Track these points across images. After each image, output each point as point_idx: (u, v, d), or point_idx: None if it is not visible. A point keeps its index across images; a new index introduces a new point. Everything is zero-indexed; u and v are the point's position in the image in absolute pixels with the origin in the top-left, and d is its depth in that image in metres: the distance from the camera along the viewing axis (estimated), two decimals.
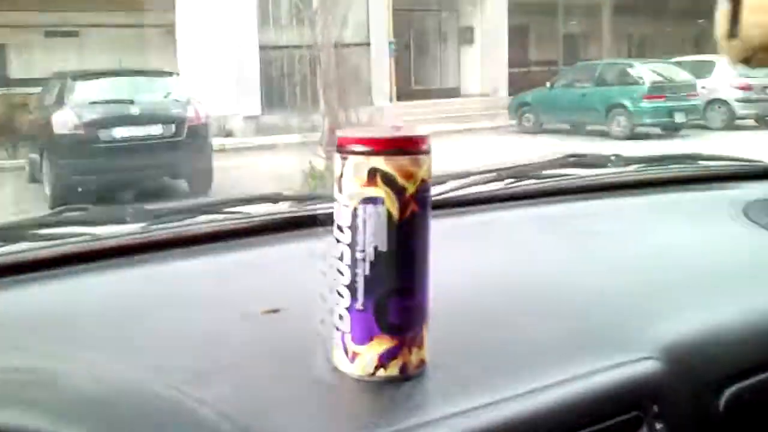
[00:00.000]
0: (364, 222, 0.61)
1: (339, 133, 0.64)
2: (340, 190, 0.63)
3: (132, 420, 0.54)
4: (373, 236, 0.61)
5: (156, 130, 9.09)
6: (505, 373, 0.66)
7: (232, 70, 15.00)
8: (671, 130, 14.31)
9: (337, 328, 0.64)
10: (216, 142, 10.48)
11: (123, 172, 8.71)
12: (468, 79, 19.78)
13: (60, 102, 8.90)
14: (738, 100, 15.47)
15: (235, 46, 14.94)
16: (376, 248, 0.61)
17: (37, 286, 0.86)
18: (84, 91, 9.01)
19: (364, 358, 0.63)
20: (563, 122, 15.80)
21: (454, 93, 19.27)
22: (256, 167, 11.14)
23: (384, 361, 0.63)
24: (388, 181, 0.60)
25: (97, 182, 8.53)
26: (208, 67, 14.69)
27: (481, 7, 19.05)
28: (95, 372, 0.62)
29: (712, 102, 15.53)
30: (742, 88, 15.46)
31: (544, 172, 1.24)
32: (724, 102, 15.60)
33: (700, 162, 1.32)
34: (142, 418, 0.55)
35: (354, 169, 0.61)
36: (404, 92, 17.27)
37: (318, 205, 1.06)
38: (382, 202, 0.61)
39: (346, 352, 0.64)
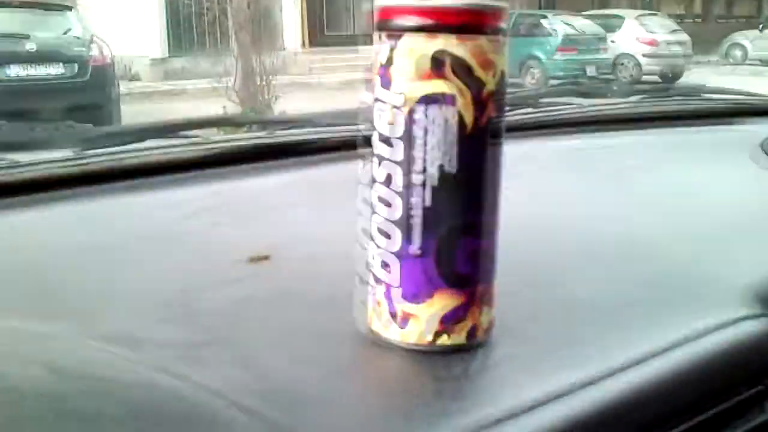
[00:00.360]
0: (426, 130, 0.43)
1: (382, 2, 0.45)
2: (387, 85, 0.44)
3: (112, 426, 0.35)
4: (439, 151, 0.43)
5: (56, 69, 8.49)
6: (592, 337, 0.50)
7: (136, 9, 14.20)
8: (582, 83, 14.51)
9: (377, 281, 0.47)
10: (121, 86, 9.89)
11: (20, 116, 8.11)
12: None
13: None
14: (644, 55, 15.82)
15: None
16: (441, 168, 0.44)
17: None
18: None
19: (421, 321, 0.45)
20: None
21: (368, 40, 18.88)
22: (165, 113, 10.61)
23: (448, 324, 0.46)
24: (463, 71, 0.43)
25: None
26: (111, 6, 13.86)
27: None
28: (38, 355, 0.42)
29: (620, 56, 15.84)
30: (649, 44, 15.81)
31: (540, 100, 1.08)
32: (631, 57, 15.93)
33: (704, 95, 1.19)
34: (123, 422, 0.36)
35: (409, 54, 0.43)
36: (317, 38, 16.82)
37: (290, 131, 0.87)
38: (453, 102, 0.43)
39: (393, 315, 0.46)
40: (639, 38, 15.94)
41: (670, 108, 1.14)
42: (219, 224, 0.67)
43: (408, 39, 0.43)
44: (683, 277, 0.60)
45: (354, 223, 0.49)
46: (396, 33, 0.44)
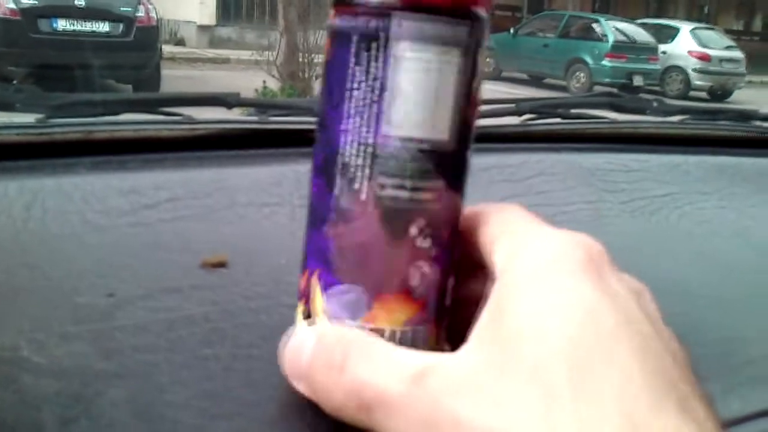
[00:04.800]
0: None
1: None
2: None
3: None
4: None
5: (102, 27, 8.54)
6: None
7: None
8: (628, 92, 14.25)
9: None
10: (166, 49, 9.92)
11: (63, 69, 8.16)
12: None
13: None
14: (695, 70, 15.47)
15: None
16: None
17: None
18: None
19: None
20: (523, 71, 15.57)
21: None
22: (206, 80, 10.61)
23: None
24: None
25: (33, 76, 7.97)
26: None
27: None
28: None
29: (670, 68, 15.52)
30: (701, 58, 15.45)
31: (572, 111, 0.98)
32: (681, 70, 15.59)
33: (755, 122, 1.08)
34: None
35: None
36: None
37: (290, 118, 0.78)
38: None
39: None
40: (691, 51, 15.58)
41: (715, 133, 1.03)
42: (179, 218, 0.59)
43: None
44: (712, 341, 0.50)
45: None
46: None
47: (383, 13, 0.31)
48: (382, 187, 0.32)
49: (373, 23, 0.31)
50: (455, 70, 0.32)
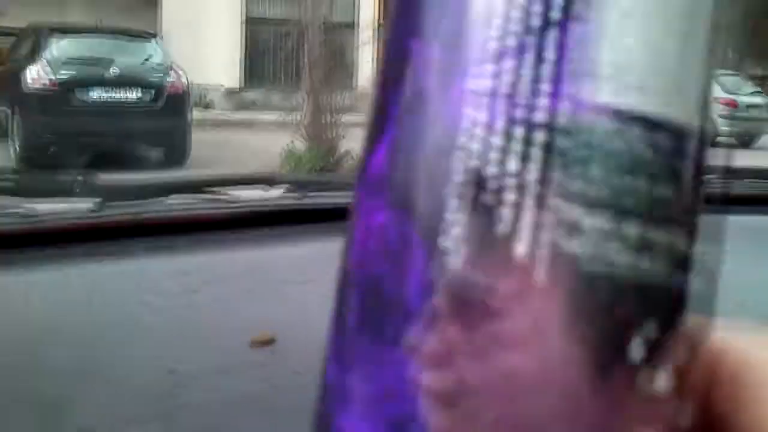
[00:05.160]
0: None
1: None
2: None
3: None
4: None
5: (134, 94, 8.79)
6: None
7: (215, 41, 14.63)
8: None
9: None
10: (194, 113, 10.16)
11: (97, 136, 8.44)
12: None
13: (33, 56, 8.51)
14: (721, 116, 15.45)
15: (220, 15, 14.56)
16: None
17: None
18: (60, 47, 8.64)
19: None
20: None
21: None
22: (233, 142, 10.83)
23: None
24: None
25: (68, 144, 8.23)
26: (190, 36, 14.32)
27: None
28: None
29: None
30: (727, 104, 15.44)
31: None
32: None
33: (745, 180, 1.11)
34: None
35: None
36: None
37: (328, 193, 0.82)
38: None
39: None
40: (717, 98, 15.60)
41: (736, 190, 1.06)
42: (228, 299, 0.63)
43: None
44: None
45: None
46: None
47: None
48: (573, 230, 0.15)
49: None
50: None
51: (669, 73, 0.16)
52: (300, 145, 8.83)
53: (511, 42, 0.16)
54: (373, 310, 0.16)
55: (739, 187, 1.13)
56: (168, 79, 8.88)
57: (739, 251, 0.87)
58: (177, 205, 0.77)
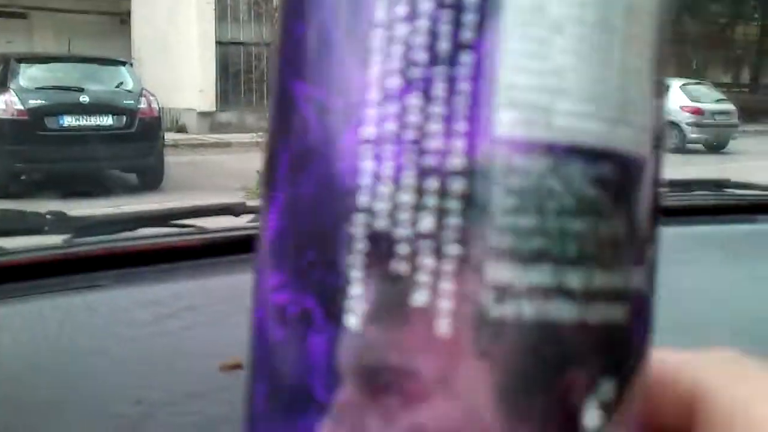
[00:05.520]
0: None
1: None
2: None
3: None
4: None
5: (106, 120, 8.77)
6: None
7: (187, 64, 14.63)
8: None
9: None
10: (168, 136, 10.14)
11: (70, 163, 8.41)
12: None
13: (2, 85, 8.48)
14: (689, 124, 15.70)
15: (192, 39, 14.58)
16: None
17: None
18: (29, 75, 8.62)
19: None
20: None
21: None
22: (209, 165, 10.82)
23: None
24: None
25: (41, 172, 8.20)
26: (163, 60, 14.33)
27: None
28: None
29: None
30: (693, 112, 15.70)
31: None
32: (675, 125, 15.82)
33: (727, 190, 1.15)
34: None
35: None
36: None
37: None
38: None
39: None
40: (683, 107, 15.85)
41: (688, 202, 1.10)
42: (197, 325, 0.65)
43: None
44: None
45: None
46: None
47: None
48: (505, 293, 0.13)
49: None
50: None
51: (610, 95, 0.14)
52: None
53: (414, 75, 0.13)
54: (280, 402, 0.14)
55: (696, 199, 1.17)
56: (139, 105, 8.88)
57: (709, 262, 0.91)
58: (146, 236, 0.79)
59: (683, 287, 0.86)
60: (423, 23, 0.13)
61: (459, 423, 0.13)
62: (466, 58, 0.13)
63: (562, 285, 0.13)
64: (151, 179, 8.76)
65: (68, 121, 8.44)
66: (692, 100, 15.91)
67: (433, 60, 0.13)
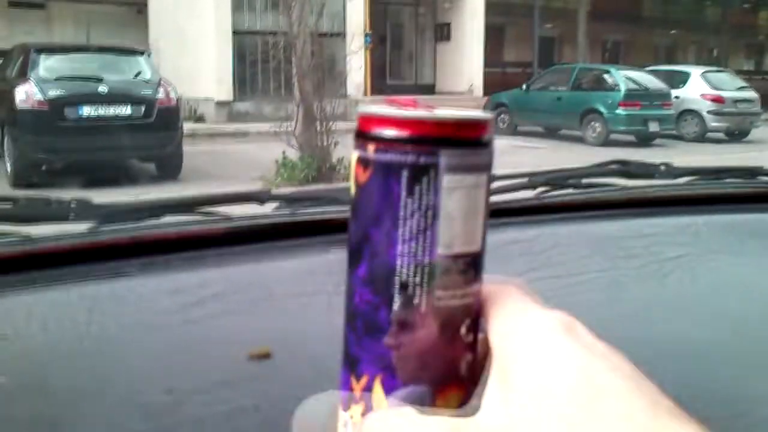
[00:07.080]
0: None
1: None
2: None
3: None
4: None
5: (125, 110, 8.79)
6: None
7: (204, 54, 14.65)
8: (645, 139, 14.29)
9: None
10: (187, 126, 10.16)
11: (89, 153, 8.46)
12: (443, 76, 19.60)
13: (23, 76, 8.52)
14: (709, 112, 15.53)
15: (209, 29, 14.59)
16: None
17: None
18: (49, 66, 8.65)
19: None
20: (538, 125, 15.71)
21: (429, 90, 19.07)
22: (227, 154, 10.84)
23: None
24: None
25: (61, 161, 8.25)
26: (179, 50, 14.36)
27: (458, 3, 18.87)
28: None
29: (684, 113, 15.57)
30: (714, 100, 15.52)
31: (583, 180, 1.03)
32: (696, 113, 15.65)
33: (760, 177, 1.13)
34: None
35: None
36: (379, 86, 17.01)
37: (317, 209, 0.84)
38: None
39: None
40: (704, 95, 15.67)
41: (723, 191, 1.08)
42: (224, 313, 0.64)
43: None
44: (725, 401, 0.54)
45: None
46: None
47: (432, 150, 0.34)
48: (439, 299, 0.35)
49: (423, 159, 0.34)
50: (484, 189, 0.36)
51: (471, 231, 0.35)
52: (293, 154, 8.84)
53: (411, 233, 0.35)
54: (367, 329, 0.36)
55: (722, 186, 1.15)
56: (158, 95, 8.89)
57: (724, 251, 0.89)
58: (171, 224, 0.79)
59: (717, 277, 0.84)
60: None
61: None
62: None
63: (461, 300, 0.37)
64: (170, 169, 8.80)
65: (87, 111, 8.48)
66: (713, 88, 15.73)
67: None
